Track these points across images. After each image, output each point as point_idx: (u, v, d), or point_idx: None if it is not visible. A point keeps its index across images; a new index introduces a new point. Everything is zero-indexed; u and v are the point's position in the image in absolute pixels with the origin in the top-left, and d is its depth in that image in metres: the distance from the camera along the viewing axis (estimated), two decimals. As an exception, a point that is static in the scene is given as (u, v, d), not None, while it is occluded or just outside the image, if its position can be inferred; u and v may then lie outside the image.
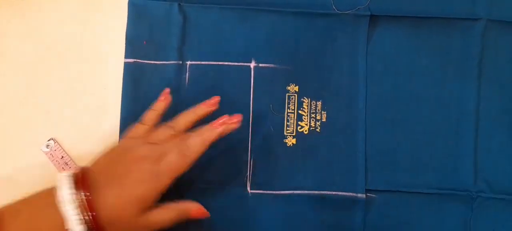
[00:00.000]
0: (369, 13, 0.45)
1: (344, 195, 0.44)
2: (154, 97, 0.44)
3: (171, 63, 0.45)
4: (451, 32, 0.46)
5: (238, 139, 0.45)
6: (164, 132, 0.39)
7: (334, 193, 0.44)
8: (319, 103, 0.45)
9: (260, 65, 0.45)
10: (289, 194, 0.44)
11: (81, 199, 0.34)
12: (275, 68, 0.46)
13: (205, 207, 0.43)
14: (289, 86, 0.45)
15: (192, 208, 0.39)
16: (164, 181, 0.37)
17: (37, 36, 0.46)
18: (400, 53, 0.46)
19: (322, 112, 0.45)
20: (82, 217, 0.33)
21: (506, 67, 0.46)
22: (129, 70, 0.45)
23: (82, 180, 0.35)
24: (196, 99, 0.44)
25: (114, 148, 0.39)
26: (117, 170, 0.36)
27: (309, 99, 0.45)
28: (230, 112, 0.44)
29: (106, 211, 0.34)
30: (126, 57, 0.45)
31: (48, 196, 0.34)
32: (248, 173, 0.44)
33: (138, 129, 0.40)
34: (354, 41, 0.45)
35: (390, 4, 0.46)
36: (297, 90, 0.45)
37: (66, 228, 0.33)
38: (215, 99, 0.40)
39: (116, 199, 0.35)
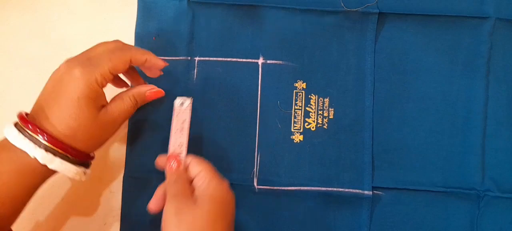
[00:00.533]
0: (377, 10, 0.45)
1: (350, 192, 0.44)
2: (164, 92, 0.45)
3: (180, 59, 0.45)
4: (459, 30, 0.45)
5: (245, 135, 0.45)
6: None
7: (340, 190, 0.44)
8: (326, 100, 0.45)
9: (268, 61, 0.46)
10: (296, 190, 0.44)
11: (29, 130, 0.34)
12: (283, 64, 0.46)
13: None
14: (297, 83, 0.46)
15: (145, 90, 0.40)
16: (99, 69, 0.36)
17: (46, 34, 0.47)
18: (408, 51, 0.46)
19: (330, 109, 0.45)
20: (39, 143, 0.34)
21: (514, 67, 0.46)
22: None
23: (22, 119, 0.35)
24: (205, 94, 0.45)
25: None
26: (51, 89, 0.36)
27: (316, 96, 0.46)
28: (238, 108, 0.45)
29: (62, 126, 0.35)
30: (135, 52, 0.45)
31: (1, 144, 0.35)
32: (255, 169, 0.45)
33: None
34: (362, 38, 0.45)
35: (399, 2, 0.46)
36: (304, 87, 0.46)
37: (28, 159, 0.34)
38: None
39: (61, 109, 0.35)
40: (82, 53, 0.37)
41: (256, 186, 0.44)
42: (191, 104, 0.40)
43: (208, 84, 0.45)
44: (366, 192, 0.44)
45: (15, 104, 0.45)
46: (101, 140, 0.39)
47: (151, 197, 0.38)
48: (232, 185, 0.44)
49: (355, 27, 0.45)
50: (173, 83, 0.45)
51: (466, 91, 0.45)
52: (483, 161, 0.45)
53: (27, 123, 0.35)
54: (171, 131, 0.40)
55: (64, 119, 0.35)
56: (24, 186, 0.35)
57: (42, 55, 0.46)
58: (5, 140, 0.35)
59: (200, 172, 0.37)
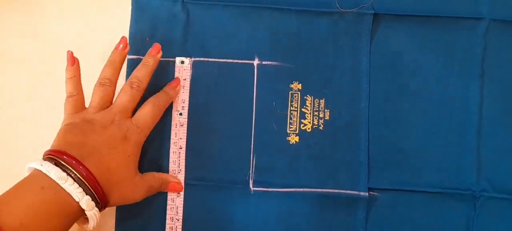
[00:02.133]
0: (372, 11, 0.45)
1: (346, 193, 0.44)
2: (156, 92, 0.44)
3: (174, 60, 0.45)
4: (454, 31, 0.46)
5: (241, 136, 0.45)
6: (129, 94, 0.40)
7: (336, 191, 0.44)
8: (322, 101, 0.45)
9: (263, 62, 0.45)
10: (292, 192, 0.44)
11: (77, 173, 0.34)
12: (278, 66, 0.46)
13: (208, 204, 0.44)
14: (292, 84, 0.45)
15: (171, 181, 0.43)
16: (144, 133, 0.39)
17: (39, 34, 0.46)
18: (403, 52, 0.46)
19: (326, 110, 0.45)
20: (83, 189, 0.34)
21: (509, 67, 0.45)
22: (132, 66, 0.44)
23: (66, 156, 0.34)
24: (200, 95, 0.45)
25: (74, 123, 0.38)
26: (97, 138, 0.36)
27: (312, 97, 0.45)
28: (233, 109, 0.45)
29: (105, 178, 0.35)
30: (129, 53, 0.45)
31: (37, 181, 0.33)
32: (251, 170, 0.44)
33: (100, 93, 0.39)
34: (358, 39, 0.45)
35: (394, 2, 0.46)
36: (300, 88, 0.45)
37: (71, 204, 0.33)
38: (157, 48, 0.42)
39: (111, 162, 0.36)
40: (115, 106, 0.39)
41: (252, 188, 0.44)
42: (191, 63, 0.43)
43: (203, 85, 0.45)
44: (362, 193, 0.44)
45: (9, 105, 0.45)
46: (127, 200, 0.39)
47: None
48: (228, 187, 0.44)
49: (350, 28, 0.45)
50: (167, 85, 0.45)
51: (461, 92, 0.45)
52: (478, 162, 0.45)
53: (79, 164, 0.34)
54: None
55: (110, 171, 0.36)
56: (65, 227, 0.35)
57: (35, 54, 0.46)
58: (42, 178, 0.33)
59: None
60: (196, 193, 0.44)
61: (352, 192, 0.44)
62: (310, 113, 0.45)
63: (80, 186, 0.34)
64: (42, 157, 0.36)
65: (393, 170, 0.45)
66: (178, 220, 0.44)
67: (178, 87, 0.44)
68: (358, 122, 0.45)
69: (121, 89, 0.40)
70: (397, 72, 0.45)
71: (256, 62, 0.45)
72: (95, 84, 0.40)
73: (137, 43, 0.45)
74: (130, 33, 0.45)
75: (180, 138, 0.44)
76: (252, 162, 0.44)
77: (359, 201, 0.44)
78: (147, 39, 0.45)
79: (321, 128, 0.45)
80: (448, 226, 0.44)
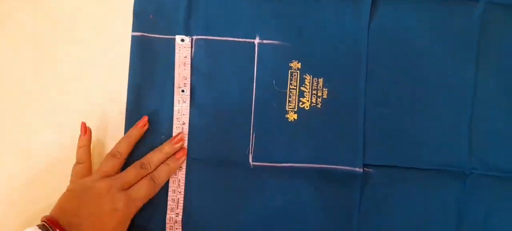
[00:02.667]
0: (372, -7, 0.46)
1: (342, 169, 0.46)
2: (161, 71, 0.46)
3: (175, 38, 0.46)
4: (451, 14, 0.47)
5: (241, 113, 0.46)
6: (136, 172, 0.43)
7: (333, 167, 0.46)
8: (320, 80, 0.47)
9: (264, 41, 0.47)
10: (290, 167, 0.46)
11: None
12: (279, 45, 0.47)
13: (210, 178, 0.46)
14: (292, 63, 0.47)
15: None
16: (135, 206, 0.42)
17: (45, 11, 0.47)
18: (400, 34, 0.47)
19: (324, 89, 0.47)
20: None
21: (503, 50, 0.47)
22: (136, 43, 0.46)
23: (53, 225, 0.38)
24: (201, 73, 0.46)
25: (74, 190, 0.41)
26: (87, 209, 0.39)
27: (311, 76, 0.47)
28: (234, 87, 0.46)
29: None
30: (133, 30, 0.46)
31: None
32: (251, 146, 0.46)
33: (109, 162, 0.43)
34: (357, 21, 0.46)
35: (393, -16, 0.46)
36: (299, 67, 0.47)
37: None
38: (179, 137, 0.45)
39: (95, 229, 0.39)
40: (118, 179, 0.42)
41: (251, 163, 0.46)
42: (193, 41, 0.45)
43: (205, 63, 0.46)
44: (357, 169, 0.46)
45: (15, 81, 0.46)
46: None
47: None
48: (229, 162, 0.46)
49: (349, 10, 0.46)
50: (170, 64, 0.46)
51: (456, 74, 0.47)
52: (470, 141, 0.46)
53: None
54: (175, 66, 0.45)
55: None
56: None
57: (41, 32, 0.47)
58: None
59: None
60: (198, 167, 0.46)
61: (348, 168, 0.46)
62: (308, 91, 0.47)
63: None
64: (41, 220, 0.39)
65: (388, 148, 0.46)
66: (180, 193, 0.45)
67: (182, 159, 0.45)
68: (355, 101, 0.46)
69: (131, 166, 0.43)
70: (395, 54, 0.47)
71: (257, 41, 0.47)
72: (108, 153, 0.44)
73: (141, 21, 0.46)
74: (134, 10, 0.46)
75: (183, 114, 0.46)
76: (252, 138, 0.46)
77: (354, 176, 0.46)
78: (151, 16, 0.46)
79: (319, 106, 0.47)
80: (440, 201, 0.46)
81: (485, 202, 0.46)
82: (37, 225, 0.38)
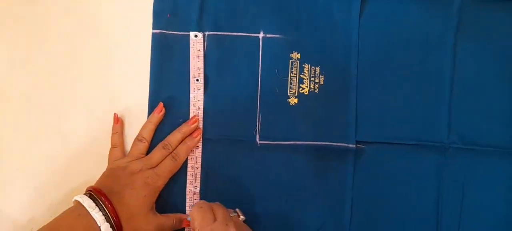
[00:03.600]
0: (361, -10, 0.52)
1: (338, 146, 0.53)
2: (178, 63, 0.52)
3: (189, 34, 0.53)
4: (432, 7, 0.52)
5: (249, 99, 0.53)
6: (160, 153, 0.50)
7: (329, 143, 0.53)
8: (317, 68, 0.53)
9: (268, 35, 0.53)
10: (291, 144, 0.53)
11: (104, 205, 0.45)
12: (280, 38, 0.53)
13: (222, 155, 0.53)
14: (292, 53, 0.53)
15: (185, 219, 0.51)
16: (162, 180, 0.49)
17: (78, 14, 0.53)
18: (387, 25, 0.53)
19: (321, 76, 0.53)
20: (107, 219, 0.44)
21: (479, 38, 0.53)
22: (156, 39, 0.52)
23: (98, 193, 0.45)
24: (214, 65, 0.53)
25: (112, 169, 0.49)
26: (123, 182, 0.47)
27: (309, 65, 0.53)
28: (242, 76, 0.52)
29: (123, 211, 0.45)
30: (153, 28, 0.53)
31: (76, 210, 0.45)
32: (257, 127, 0.53)
33: (138, 146, 0.51)
34: (348, 15, 0.53)
35: (379, -17, 0.52)
36: (299, 57, 0.53)
37: (95, 228, 0.44)
38: (194, 119, 0.52)
39: (129, 200, 0.46)
40: (146, 159, 0.50)
41: (258, 142, 0.53)
42: (205, 37, 0.52)
43: (216, 56, 0.53)
44: (350, 145, 0.52)
45: (51, 73, 0.53)
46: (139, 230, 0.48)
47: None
48: (238, 141, 0.52)
49: (342, 5, 0.52)
50: (186, 57, 0.52)
51: (436, 60, 0.53)
52: (450, 119, 0.52)
53: (106, 200, 0.45)
54: (190, 59, 0.52)
55: (128, 206, 0.46)
56: None
57: (73, 32, 0.53)
58: (82, 207, 0.44)
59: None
60: (212, 146, 0.53)
61: (342, 144, 0.52)
62: (307, 78, 0.53)
63: (103, 215, 0.44)
64: (86, 190, 0.47)
65: (378, 126, 0.53)
66: (198, 168, 0.52)
67: (198, 138, 0.52)
68: (348, 85, 0.53)
69: (155, 148, 0.51)
70: (382, 43, 0.53)
71: (261, 35, 0.53)
72: (135, 139, 0.51)
73: (159, 19, 0.53)
74: (154, 11, 0.53)
75: (198, 100, 0.52)
76: (258, 120, 0.53)
77: (348, 152, 0.52)
78: (168, 15, 0.53)
79: (316, 91, 0.53)
80: (423, 172, 0.53)
81: (463, 173, 0.52)
82: (84, 194, 0.46)
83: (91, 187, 0.47)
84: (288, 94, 0.53)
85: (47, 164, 0.53)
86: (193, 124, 0.52)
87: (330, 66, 0.53)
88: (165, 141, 0.51)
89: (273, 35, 0.53)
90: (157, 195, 0.49)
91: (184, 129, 0.51)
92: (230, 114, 0.53)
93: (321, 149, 0.53)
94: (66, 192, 0.52)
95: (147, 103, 0.53)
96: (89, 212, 0.44)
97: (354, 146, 0.52)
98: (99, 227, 0.44)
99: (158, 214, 0.49)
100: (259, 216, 0.52)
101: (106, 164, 0.51)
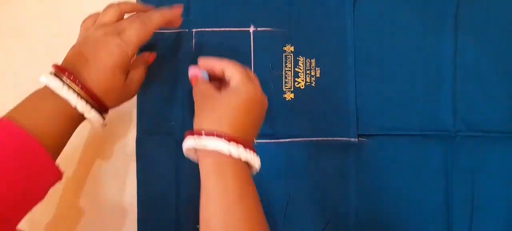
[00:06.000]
0: (354, -24, 0.50)
1: (338, 141, 0.50)
2: (167, 61, 0.50)
3: (179, 31, 0.50)
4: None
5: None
6: (130, 19, 0.44)
7: (330, 139, 0.50)
8: (313, 61, 0.51)
9: (258, 29, 0.51)
10: (290, 142, 0.50)
11: (69, 83, 0.40)
12: (272, 31, 0.51)
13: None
14: (285, 46, 0.51)
15: (148, 56, 0.48)
16: (131, 46, 0.42)
17: (57, 16, 0.51)
18: (383, 12, 0.51)
19: (316, 68, 0.51)
20: (78, 94, 0.40)
21: (479, 21, 0.51)
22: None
23: (62, 70, 0.40)
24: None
25: (76, 42, 0.44)
26: (88, 53, 0.42)
27: (304, 57, 0.51)
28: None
29: (95, 84, 0.41)
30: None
31: (43, 92, 0.40)
32: (253, 125, 0.50)
33: (108, 12, 0.44)
34: (342, 2, 0.50)
35: (373, -33, 0.50)
36: (292, 50, 0.51)
37: (70, 108, 0.40)
38: (180, 7, 0.46)
39: (98, 72, 0.41)
40: (113, 26, 0.43)
41: (255, 141, 0.50)
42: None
43: (206, 53, 0.50)
44: (352, 139, 0.50)
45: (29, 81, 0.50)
46: (124, 99, 0.45)
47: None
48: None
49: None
50: (174, 55, 0.50)
51: (436, 46, 0.50)
52: (454, 106, 0.50)
53: (70, 75, 0.40)
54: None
55: (99, 81, 0.41)
56: (67, 129, 0.41)
57: (53, 33, 0.51)
58: (47, 89, 0.40)
59: (233, 74, 0.42)
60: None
61: (343, 139, 0.50)
62: (302, 72, 0.51)
63: (74, 92, 0.40)
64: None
65: (379, 118, 0.50)
66: (191, 173, 0.49)
67: (178, 10, 0.46)
68: (346, 77, 0.50)
69: (130, 16, 0.45)
70: (379, 31, 0.51)
71: (251, 29, 0.51)
72: (110, 4, 0.45)
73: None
74: (139, 10, 0.50)
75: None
76: (254, 118, 0.50)
77: (350, 146, 0.50)
78: (153, 13, 0.50)
79: (313, 84, 0.50)
80: (429, 163, 0.50)
81: (472, 161, 0.50)
82: (51, 71, 0.41)
83: (55, 65, 0.42)
84: (284, 89, 0.50)
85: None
86: (177, 9, 0.46)
87: (326, 58, 0.51)
88: (145, 15, 0.44)
89: (264, 29, 0.51)
90: (127, 65, 0.43)
91: (166, 12, 0.45)
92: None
93: (321, 145, 0.50)
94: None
95: (136, 103, 0.50)
96: (57, 93, 0.40)
97: (356, 139, 0.50)
98: (75, 106, 0.40)
99: (130, 75, 0.45)
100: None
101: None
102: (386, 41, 0.51)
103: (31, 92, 0.41)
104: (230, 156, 0.39)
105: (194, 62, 0.49)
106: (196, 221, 0.48)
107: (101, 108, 0.42)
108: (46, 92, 0.40)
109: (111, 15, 0.44)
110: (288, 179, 0.50)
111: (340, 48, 0.50)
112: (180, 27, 0.50)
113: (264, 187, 0.49)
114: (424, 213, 0.50)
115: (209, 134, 0.39)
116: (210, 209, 0.38)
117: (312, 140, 0.50)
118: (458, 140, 0.50)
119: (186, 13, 0.50)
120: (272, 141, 0.50)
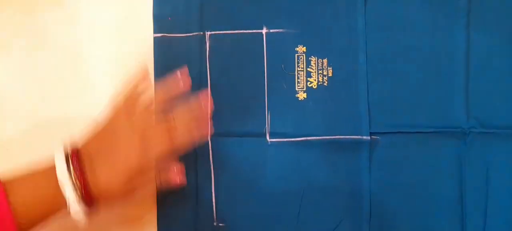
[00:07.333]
0: (365, -25, 0.50)
1: (351, 139, 0.51)
2: (181, 65, 0.51)
3: (193, 35, 0.52)
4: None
5: (256, 97, 0.51)
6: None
7: (342, 137, 0.51)
8: (325, 60, 0.51)
9: (271, 31, 0.52)
10: (303, 141, 0.51)
11: (74, 175, 0.38)
12: (284, 32, 0.52)
13: (232, 156, 0.51)
14: (298, 47, 0.52)
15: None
16: (150, 158, 0.40)
17: (76, 21, 0.53)
18: (394, 9, 0.51)
19: (328, 68, 0.51)
20: (75, 188, 0.38)
21: (492, 16, 0.50)
22: (158, 43, 0.51)
23: (76, 158, 0.39)
24: (218, 65, 0.51)
25: (103, 124, 0.42)
26: (106, 147, 0.40)
27: (316, 57, 0.51)
28: (248, 74, 0.51)
29: (97, 184, 0.39)
30: (154, 32, 0.52)
31: (48, 170, 0.38)
32: (267, 125, 0.51)
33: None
34: (353, 2, 0.51)
35: (384, -35, 0.51)
36: (305, 50, 0.52)
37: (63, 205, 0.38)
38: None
39: (108, 175, 0.39)
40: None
41: (268, 140, 0.51)
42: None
43: (220, 56, 0.52)
44: (364, 137, 0.50)
45: (53, 82, 0.52)
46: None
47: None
48: (249, 140, 0.51)
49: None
50: (189, 58, 0.51)
51: (449, 42, 0.50)
52: (467, 102, 0.50)
53: (78, 168, 0.38)
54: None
55: (110, 184, 0.39)
56: (49, 213, 0.39)
57: (74, 39, 0.53)
58: (53, 169, 0.38)
59: None
60: (222, 147, 0.51)
61: (356, 137, 0.51)
62: (315, 72, 0.51)
63: (74, 188, 0.38)
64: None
65: (391, 115, 0.51)
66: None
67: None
68: (357, 75, 0.51)
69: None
70: (390, 28, 0.51)
71: (264, 31, 0.52)
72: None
73: (160, 23, 0.52)
74: (154, 14, 0.52)
75: (204, 102, 0.51)
76: (267, 117, 0.51)
77: (362, 144, 0.50)
78: (169, 18, 0.52)
79: (325, 84, 0.51)
80: (442, 161, 0.50)
81: (486, 158, 0.50)
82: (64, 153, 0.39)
83: (73, 152, 0.39)
84: (296, 89, 0.51)
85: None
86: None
87: (338, 57, 0.51)
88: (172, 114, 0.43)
89: (277, 30, 0.52)
90: (139, 172, 0.40)
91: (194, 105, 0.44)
92: (238, 114, 0.51)
93: (334, 143, 0.51)
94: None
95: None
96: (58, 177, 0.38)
97: (369, 137, 0.50)
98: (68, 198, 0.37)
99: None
100: (273, 217, 0.50)
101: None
102: (397, 39, 0.51)
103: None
104: None
105: (209, 64, 0.51)
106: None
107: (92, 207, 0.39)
108: (51, 175, 0.38)
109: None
110: (301, 177, 0.51)
111: (352, 47, 0.51)
112: (194, 31, 0.51)
113: (278, 186, 0.51)
114: (437, 210, 0.50)
115: None
116: None
117: (325, 139, 0.51)
118: (471, 137, 0.50)
119: (199, 16, 0.52)
120: (286, 140, 0.51)
